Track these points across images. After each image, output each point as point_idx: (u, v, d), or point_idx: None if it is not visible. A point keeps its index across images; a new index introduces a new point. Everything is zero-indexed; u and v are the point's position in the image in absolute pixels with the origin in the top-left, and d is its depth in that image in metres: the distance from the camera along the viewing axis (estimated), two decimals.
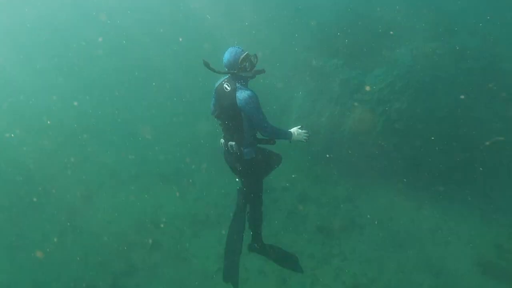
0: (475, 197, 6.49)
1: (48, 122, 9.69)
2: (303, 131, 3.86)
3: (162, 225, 6.93)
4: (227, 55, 3.72)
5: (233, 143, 3.86)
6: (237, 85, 3.72)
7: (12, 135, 9.47)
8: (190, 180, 7.99)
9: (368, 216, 6.57)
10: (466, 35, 7.25)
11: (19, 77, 11.51)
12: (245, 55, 3.69)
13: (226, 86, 3.77)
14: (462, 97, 6.76)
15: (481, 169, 6.52)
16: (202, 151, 8.54)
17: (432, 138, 6.76)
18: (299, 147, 8.22)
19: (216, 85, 3.96)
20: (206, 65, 3.68)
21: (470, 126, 6.75)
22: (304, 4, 9.71)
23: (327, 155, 7.56)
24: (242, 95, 3.63)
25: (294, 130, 3.85)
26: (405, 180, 6.88)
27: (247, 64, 3.69)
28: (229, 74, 3.80)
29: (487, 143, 6.51)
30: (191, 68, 9.68)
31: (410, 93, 7.12)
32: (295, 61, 8.87)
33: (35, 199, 7.68)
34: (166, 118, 9.85)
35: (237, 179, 4.27)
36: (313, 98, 8.30)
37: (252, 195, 4.12)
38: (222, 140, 4.02)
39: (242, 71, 3.70)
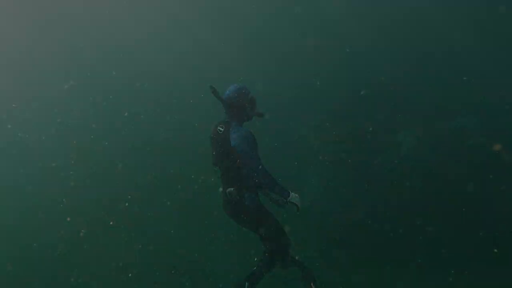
0: None
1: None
2: (297, 195, 3.55)
3: None
4: (234, 89, 3.67)
5: (232, 189, 3.54)
6: (233, 123, 3.63)
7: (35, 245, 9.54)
8: (204, 271, 7.63)
9: None
10: (465, 114, 7.61)
11: None
12: (253, 95, 3.70)
13: (220, 128, 3.64)
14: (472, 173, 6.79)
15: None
16: (218, 240, 8.33)
17: (450, 217, 6.57)
18: (312, 230, 8.04)
19: (210, 132, 3.81)
20: (214, 92, 3.54)
21: (489, 202, 6.61)
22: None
23: (344, 240, 7.29)
24: (236, 133, 3.51)
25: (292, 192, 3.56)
26: (428, 265, 6.45)
27: (253, 105, 3.68)
28: (226, 116, 3.66)
29: None
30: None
31: (420, 173, 7.22)
32: (303, 146, 9.23)
33: None
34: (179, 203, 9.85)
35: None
36: (324, 184, 8.40)
37: (268, 240, 3.61)
38: (221, 189, 3.75)
39: (249, 108, 3.63)
